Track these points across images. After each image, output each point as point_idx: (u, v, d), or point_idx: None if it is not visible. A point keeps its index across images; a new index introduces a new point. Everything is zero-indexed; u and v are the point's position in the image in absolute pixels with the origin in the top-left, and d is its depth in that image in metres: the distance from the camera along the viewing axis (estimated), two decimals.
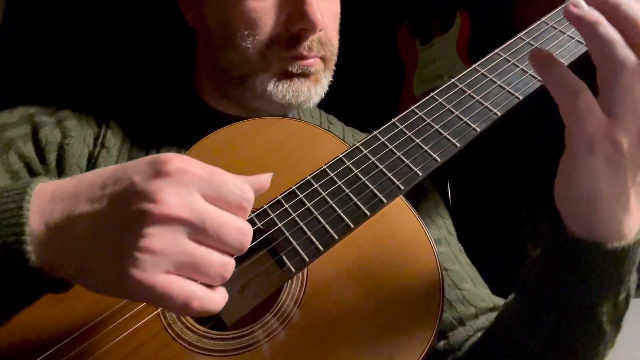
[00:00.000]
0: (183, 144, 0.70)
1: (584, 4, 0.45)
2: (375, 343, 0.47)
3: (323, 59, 0.71)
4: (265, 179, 0.46)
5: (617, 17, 0.44)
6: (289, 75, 0.69)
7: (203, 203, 0.40)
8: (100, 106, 0.74)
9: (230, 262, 0.41)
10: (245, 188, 0.42)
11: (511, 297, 0.62)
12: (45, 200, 0.41)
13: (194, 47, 0.80)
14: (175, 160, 0.40)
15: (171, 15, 0.78)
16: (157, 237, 0.37)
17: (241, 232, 0.40)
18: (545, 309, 0.54)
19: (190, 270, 0.39)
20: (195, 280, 0.39)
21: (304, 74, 0.69)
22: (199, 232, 0.39)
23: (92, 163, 0.67)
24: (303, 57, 0.68)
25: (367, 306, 0.49)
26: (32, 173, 0.65)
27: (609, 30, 0.44)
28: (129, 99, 0.78)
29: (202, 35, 0.76)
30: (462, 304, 0.70)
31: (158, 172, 0.39)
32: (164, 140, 0.71)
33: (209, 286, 0.41)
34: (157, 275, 0.37)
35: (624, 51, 0.43)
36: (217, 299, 0.40)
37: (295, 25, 0.67)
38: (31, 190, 0.41)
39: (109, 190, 0.40)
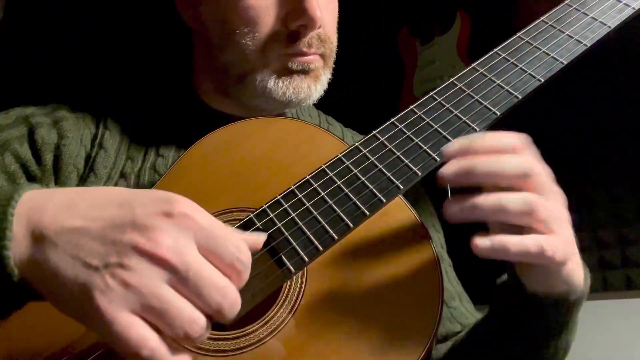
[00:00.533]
0: (182, 144, 0.70)
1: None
2: (374, 343, 0.47)
3: (322, 56, 0.71)
4: (260, 240, 0.47)
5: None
6: (289, 72, 0.69)
7: (195, 253, 0.39)
8: (98, 106, 0.74)
9: (200, 322, 0.38)
10: (243, 249, 0.41)
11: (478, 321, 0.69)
12: (35, 207, 0.40)
13: (191, 46, 0.80)
14: (184, 205, 0.39)
15: (169, 15, 0.78)
16: (135, 272, 0.37)
17: (221, 293, 0.38)
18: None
19: (156, 316, 0.37)
20: (160, 332, 0.38)
21: (304, 71, 0.69)
22: (179, 280, 0.38)
23: (89, 164, 0.67)
24: (303, 54, 0.68)
25: (367, 307, 0.49)
26: (29, 174, 0.65)
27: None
28: (127, 99, 0.78)
29: (200, 34, 0.75)
30: (450, 321, 0.72)
31: (163, 212, 0.39)
32: (162, 141, 0.71)
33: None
34: (121, 311, 0.36)
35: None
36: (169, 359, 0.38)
37: (294, 22, 0.66)
38: (18, 197, 0.41)
39: (108, 213, 0.39)
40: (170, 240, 0.38)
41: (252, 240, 0.45)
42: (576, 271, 0.54)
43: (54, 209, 0.40)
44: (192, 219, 0.39)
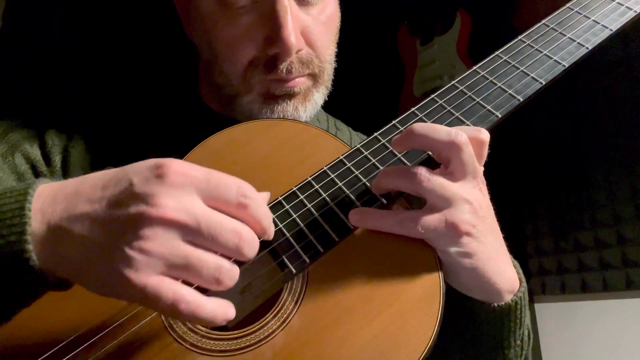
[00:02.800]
0: (188, 147, 0.69)
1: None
2: (374, 343, 0.47)
3: (311, 75, 0.68)
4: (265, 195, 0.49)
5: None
6: (273, 97, 0.67)
7: (200, 205, 0.40)
8: (105, 109, 0.74)
9: (225, 265, 0.40)
10: (242, 185, 0.42)
11: None
12: (47, 201, 0.41)
13: (197, 54, 0.79)
14: (174, 164, 0.41)
15: (176, 23, 0.77)
16: (151, 239, 0.38)
17: (237, 234, 0.41)
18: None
19: (183, 271, 0.39)
20: (191, 285, 0.40)
21: (289, 95, 0.67)
22: (194, 234, 0.39)
23: (96, 165, 0.67)
24: (283, 80, 0.66)
25: (367, 307, 0.49)
26: (38, 175, 0.65)
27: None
28: (134, 102, 0.78)
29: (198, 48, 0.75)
30: None
31: (157, 175, 0.40)
32: (169, 144, 0.71)
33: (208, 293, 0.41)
34: (149, 276, 0.38)
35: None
36: (207, 305, 0.40)
37: (269, 49, 0.64)
38: (33, 191, 0.42)
39: (109, 192, 0.41)
40: (173, 201, 0.39)
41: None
42: (496, 275, 0.54)
43: (62, 200, 0.41)
44: (187, 174, 0.40)
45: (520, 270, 0.59)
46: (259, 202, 0.43)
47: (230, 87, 0.68)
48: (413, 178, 0.51)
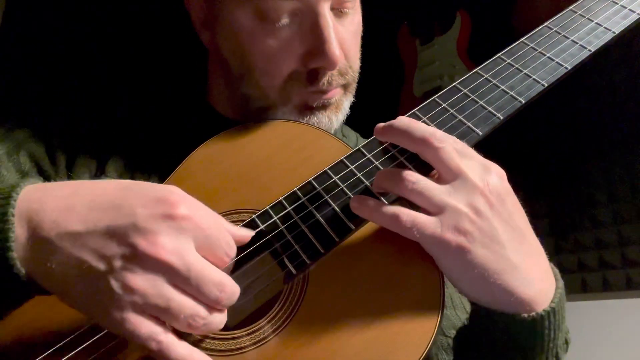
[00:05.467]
0: (192, 149, 0.69)
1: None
2: (374, 345, 0.47)
3: (343, 85, 0.69)
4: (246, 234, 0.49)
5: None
6: (309, 108, 0.67)
7: (194, 254, 0.41)
8: (110, 108, 0.73)
9: (201, 314, 0.41)
10: (232, 245, 0.45)
11: None
12: (34, 209, 0.41)
13: (206, 56, 0.78)
14: (184, 206, 0.41)
15: (184, 26, 0.76)
16: (140, 277, 0.39)
17: (219, 287, 0.41)
18: None
19: (161, 313, 0.40)
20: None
21: (324, 106, 0.67)
22: (181, 280, 0.40)
23: (102, 165, 0.67)
24: (323, 92, 0.66)
25: (367, 308, 0.49)
26: (42, 174, 0.65)
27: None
28: (139, 103, 0.77)
29: (217, 58, 0.73)
30: (446, 351, 0.70)
31: (164, 214, 0.40)
32: (173, 145, 0.70)
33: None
34: (129, 313, 0.39)
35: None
36: (178, 350, 0.40)
37: (313, 63, 0.64)
38: (17, 194, 0.41)
39: (109, 215, 0.40)
40: (172, 244, 0.39)
41: (239, 236, 0.48)
42: (514, 282, 0.49)
43: (53, 210, 0.41)
44: (192, 220, 0.41)
45: (556, 270, 0.54)
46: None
47: (265, 100, 0.67)
48: (398, 181, 0.50)
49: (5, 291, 0.41)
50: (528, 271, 0.49)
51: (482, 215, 0.48)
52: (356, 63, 0.71)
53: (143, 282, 0.38)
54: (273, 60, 0.64)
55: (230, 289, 0.42)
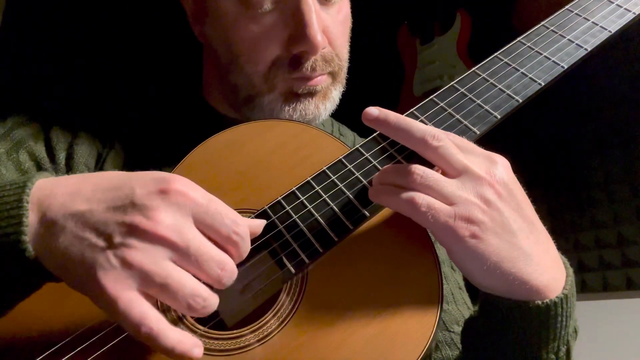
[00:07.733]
0: (190, 147, 0.70)
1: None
2: (373, 343, 0.47)
3: (331, 73, 0.69)
4: (259, 224, 0.48)
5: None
6: (295, 95, 0.67)
7: (193, 229, 0.41)
8: (109, 107, 0.74)
9: (202, 294, 0.40)
10: (239, 222, 0.43)
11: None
12: (46, 194, 0.42)
13: (202, 54, 0.79)
14: (178, 183, 0.41)
15: (180, 23, 0.77)
16: (139, 252, 0.39)
17: (220, 265, 0.41)
18: None
19: (159, 291, 0.39)
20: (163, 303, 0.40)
21: (310, 93, 0.68)
22: (180, 256, 0.40)
23: (100, 163, 0.68)
24: (307, 78, 0.66)
25: (366, 307, 0.49)
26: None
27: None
28: (137, 101, 0.78)
29: (209, 50, 0.74)
30: (450, 346, 0.70)
31: (160, 191, 0.40)
32: (171, 143, 0.71)
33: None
34: (124, 289, 0.38)
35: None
36: (168, 336, 0.39)
37: (295, 47, 0.65)
38: (31, 184, 0.42)
39: (109, 195, 0.41)
40: (169, 218, 0.40)
41: (254, 226, 0.47)
42: (528, 270, 0.49)
43: (61, 195, 0.42)
44: (187, 195, 0.41)
45: (565, 258, 0.54)
46: (247, 244, 0.44)
47: (251, 88, 0.68)
48: (406, 175, 0.50)
49: (19, 275, 0.42)
50: (540, 259, 0.49)
51: (492, 205, 0.48)
52: (343, 52, 0.71)
53: (141, 257, 0.38)
54: (256, 47, 0.65)
55: (230, 267, 0.42)
